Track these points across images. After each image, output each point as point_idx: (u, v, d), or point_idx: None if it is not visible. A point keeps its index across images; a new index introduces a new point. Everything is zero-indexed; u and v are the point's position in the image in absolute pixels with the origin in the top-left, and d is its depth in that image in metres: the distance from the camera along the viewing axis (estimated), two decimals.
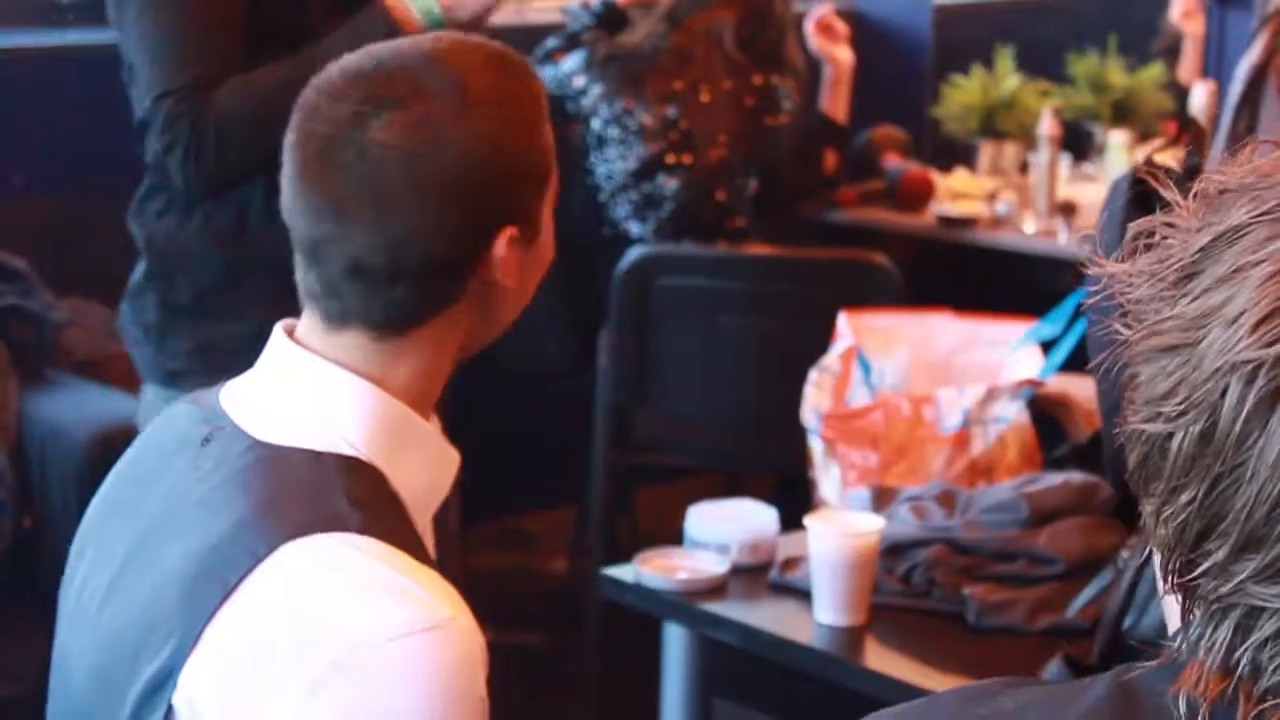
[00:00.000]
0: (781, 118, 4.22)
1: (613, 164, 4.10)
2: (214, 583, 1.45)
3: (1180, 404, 0.98)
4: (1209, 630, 0.99)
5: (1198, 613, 1.00)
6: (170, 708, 1.45)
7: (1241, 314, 0.96)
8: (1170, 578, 1.01)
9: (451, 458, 1.61)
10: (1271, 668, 0.96)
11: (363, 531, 1.46)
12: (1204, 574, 0.98)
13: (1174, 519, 0.99)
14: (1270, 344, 0.95)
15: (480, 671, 1.45)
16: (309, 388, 1.55)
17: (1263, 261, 0.97)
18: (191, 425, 1.58)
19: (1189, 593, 1.00)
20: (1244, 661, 0.97)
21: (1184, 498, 0.98)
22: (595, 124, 4.10)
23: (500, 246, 1.55)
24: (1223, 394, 0.96)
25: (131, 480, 1.62)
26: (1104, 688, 1.04)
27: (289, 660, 1.41)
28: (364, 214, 1.52)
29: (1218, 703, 0.98)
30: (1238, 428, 0.95)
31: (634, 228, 4.10)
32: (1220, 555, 0.97)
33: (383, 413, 1.54)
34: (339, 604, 1.42)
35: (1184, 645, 1.01)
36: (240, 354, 2.62)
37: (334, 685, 1.39)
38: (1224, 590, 0.97)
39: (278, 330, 1.59)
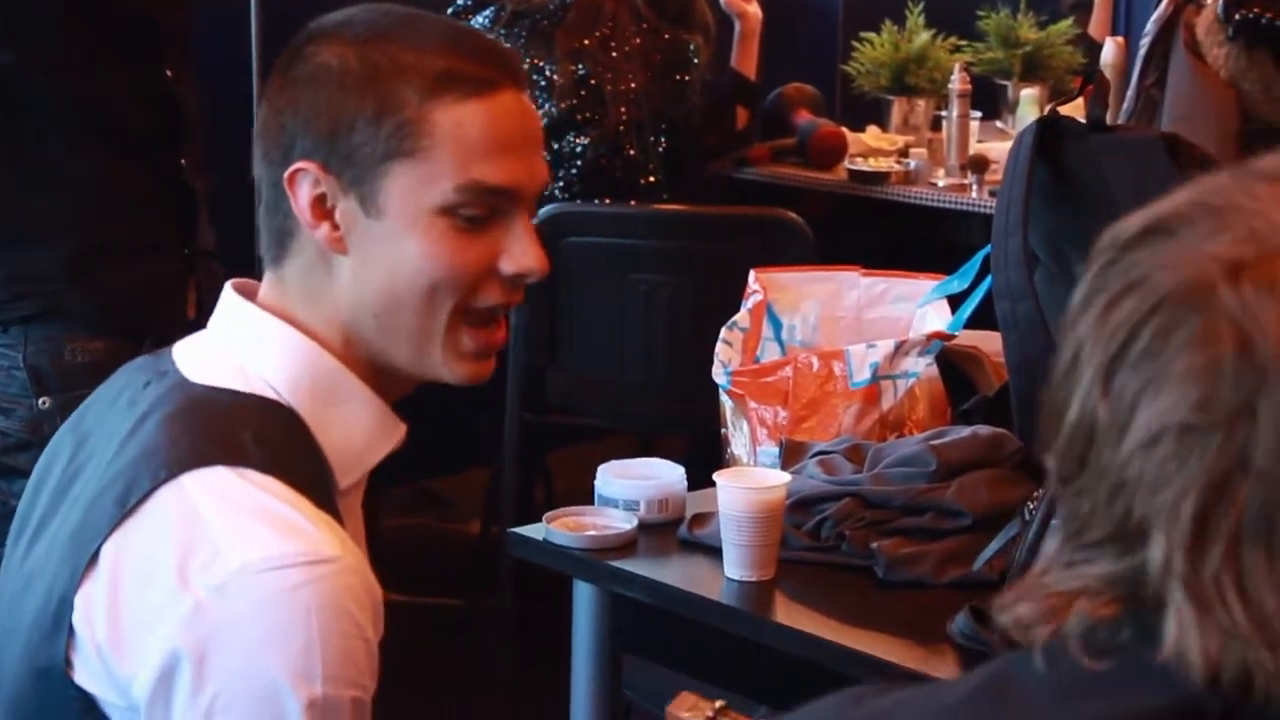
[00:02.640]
0: (691, 74, 4.20)
1: None
2: (114, 504, 1.48)
3: None
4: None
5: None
6: (71, 629, 1.48)
7: None
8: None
9: (394, 428, 1.62)
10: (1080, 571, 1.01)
11: (263, 469, 1.48)
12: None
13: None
14: None
15: (364, 614, 1.46)
16: (241, 333, 1.59)
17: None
18: (140, 373, 1.62)
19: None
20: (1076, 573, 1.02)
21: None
22: None
23: (293, 179, 1.55)
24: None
25: (75, 432, 1.65)
26: (978, 678, 1.05)
27: (175, 583, 1.43)
28: (256, 135, 1.61)
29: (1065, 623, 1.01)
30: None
31: None
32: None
33: (310, 362, 1.57)
34: (226, 533, 1.44)
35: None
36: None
37: (213, 609, 1.42)
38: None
39: (227, 285, 1.64)
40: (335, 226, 1.55)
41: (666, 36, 4.17)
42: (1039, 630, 1.01)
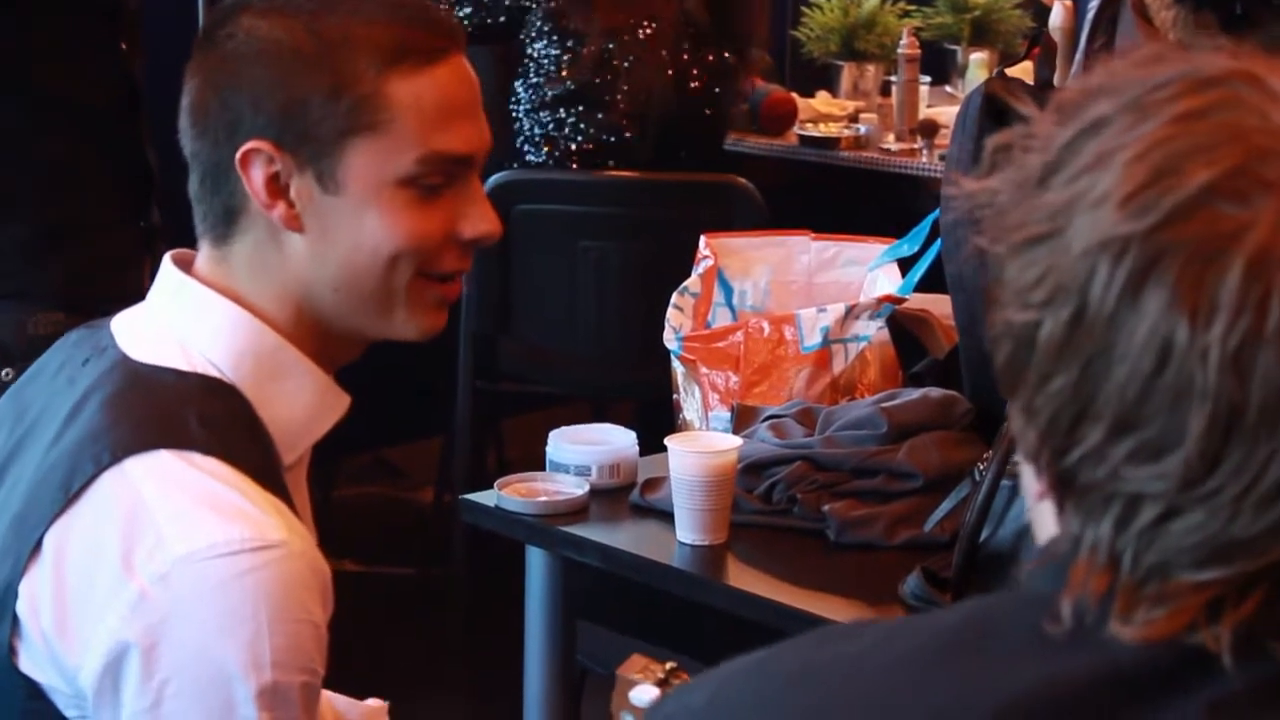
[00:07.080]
0: (715, 96, 4.11)
1: (536, 87, 4.00)
2: (57, 489, 1.47)
3: (1048, 291, 0.96)
4: (1090, 527, 0.97)
5: (1077, 511, 0.98)
6: (15, 618, 1.47)
7: (1108, 194, 0.94)
8: (1046, 473, 0.99)
9: (338, 400, 1.60)
10: (1146, 556, 0.95)
11: (207, 451, 1.47)
12: (1080, 461, 0.96)
13: (1045, 409, 0.97)
14: (1139, 217, 0.93)
15: (312, 597, 1.45)
16: (182, 309, 1.57)
17: (1126, 146, 0.95)
18: (78, 348, 1.60)
19: (1066, 488, 0.98)
20: (1125, 553, 0.95)
21: (1055, 385, 0.96)
22: (539, 45, 3.99)
23: (246, 159, 1.53)
24: (1091, 274, 0.94)
25: (15, 404, 1.63)
26: (954, 616, 1.03)
27: (120, 571, 1.42)
28: (190, 109, 1.57)
29: (1101, 599, 0.96)
30: (1108, 307, 0.93)
31: (530, 154, 4.02)
32: (1095, 439, 0.95)
33: (253, 339, 1.55)
34: (169, 520, 1.43)
35: (1063, 549, 0.99)
36: None
37: (159, 597, 1.41)
38: (1100, 475, 0.95)
39: (166, 257, 1.61)
40: (290, 204, 1.53)
41: (710, 58, 4.08)
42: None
